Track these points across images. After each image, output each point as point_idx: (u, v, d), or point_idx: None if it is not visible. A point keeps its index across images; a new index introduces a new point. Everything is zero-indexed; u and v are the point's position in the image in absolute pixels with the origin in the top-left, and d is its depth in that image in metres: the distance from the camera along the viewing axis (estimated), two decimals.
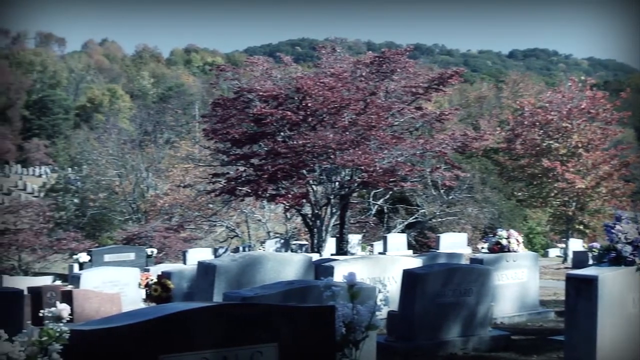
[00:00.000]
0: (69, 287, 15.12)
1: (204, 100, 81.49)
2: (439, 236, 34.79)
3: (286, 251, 33.20)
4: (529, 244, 40.49)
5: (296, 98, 28.85)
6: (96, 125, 79.18)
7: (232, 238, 45.40)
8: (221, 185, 31.68)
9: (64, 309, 4.54)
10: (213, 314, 4.67)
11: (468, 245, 34.25)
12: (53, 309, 4.56)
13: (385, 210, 42.02)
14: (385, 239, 33.91)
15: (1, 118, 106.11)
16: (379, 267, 13.22)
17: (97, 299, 12.56)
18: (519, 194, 39.51)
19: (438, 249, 29.20)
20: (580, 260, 25.16)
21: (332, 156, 28.19)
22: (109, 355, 4.25)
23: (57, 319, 4.51)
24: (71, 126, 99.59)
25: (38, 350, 4.36)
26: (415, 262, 14.13)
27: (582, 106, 33.41)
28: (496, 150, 43.77)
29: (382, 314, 7.88)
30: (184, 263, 30.48)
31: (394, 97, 31.23)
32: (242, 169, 31.33)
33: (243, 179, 30.65)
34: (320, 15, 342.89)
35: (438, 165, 33.64)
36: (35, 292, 11.80)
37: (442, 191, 39.08)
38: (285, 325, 4.83)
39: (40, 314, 4.76)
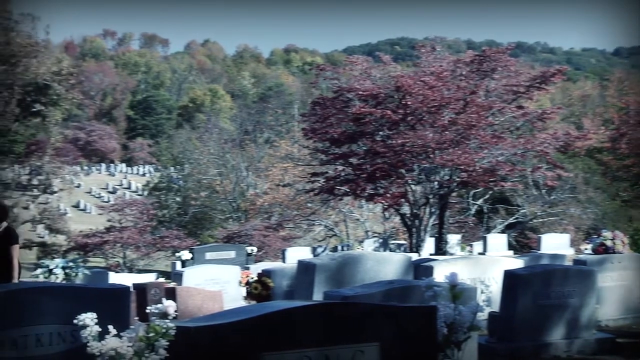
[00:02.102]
0: (172, 285, 15.40)
1: (303, 99, 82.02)
2: (540, 237, 34.16)
3: (384, 251, 33.10)
4: (634, 246, 39.41)
5: (395, 97, 28.74)
6: (198, 125, 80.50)
7: (330, 237, 45.52)
8: (320, 185, 31.79)
9: (170, 305, 4.63)
10: (315, 312, 4.69)
11: (570, 247, 33.55)
12: (159, 305, 4.66)
13: (485, 210, 41.52)
14: (484, 239, 33.47)
15: (107, 118, 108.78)
16: (480, 268, 13.06)
17: (200, 297, 12.74)
18: (624, 194, 38.52)
19: (539, 250, 28.70)
20: None
21: (431, 155, 27.99)
22: (214, 351, 4.31)
23: (163, 315, 4.60)
24: (174, 126, 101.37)
25: (145, 346, 4.45)
26: (516, 262, 13.90)
27: None
28: (600, 149, 42.79)
29: (484, 314, 7.79)
30: (283, 262, 30.67)
31: (494, 96, 30.80)
32: (340, 168, 31.37)
33: (342, 178, 30.69)
34: (420, 14, 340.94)
35: (539, 165, 33.07)
36: (140, 288, 12.03)
37: (543, 191, 38.41)
38: (387, 325, 4.82)
39: (147, 311, 4.86)
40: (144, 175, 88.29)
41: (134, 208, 48.76)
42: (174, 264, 32.22)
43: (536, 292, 10.00)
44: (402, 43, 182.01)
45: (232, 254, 31.76)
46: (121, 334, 4.55)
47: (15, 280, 11.00)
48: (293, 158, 47.60)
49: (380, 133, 29.16)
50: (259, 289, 14.92)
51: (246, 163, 57.85)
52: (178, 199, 59.99)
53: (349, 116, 29.55)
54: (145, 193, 66.54)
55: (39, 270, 15.91)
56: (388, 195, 29.05)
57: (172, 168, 68.03)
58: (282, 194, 47.98)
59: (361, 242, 39.95)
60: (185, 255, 30.81)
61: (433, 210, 30.20)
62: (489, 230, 39.89)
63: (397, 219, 36.37)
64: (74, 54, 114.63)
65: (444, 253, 29.19)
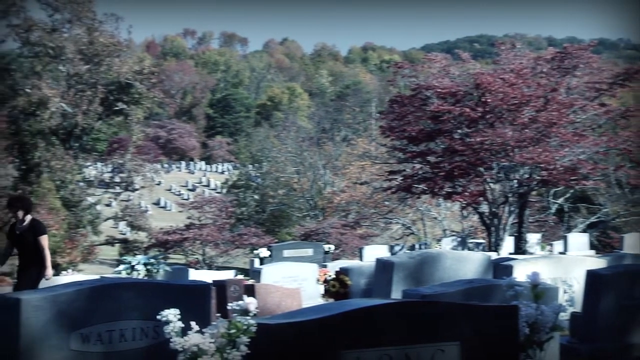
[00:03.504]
0: (251, 282, 15.53)
1: (380, 97, 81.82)
2: (622, 236, 33.48)
3: (463, 250, 32.87)
4: None
5: (475, 94, 28.54)
6: (276, 123, 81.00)
7: (407, 235, 45.38)
8: (397, 183, 31.74)
9: (251, 302, 4.67)
10: (395, 311, 4.68)
11: None
12: (240, 302, 4.70)
13: (566, 209, 40.90)
14: (565, 239, 32.93)
15: (187, 116, 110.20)
16: (561, 267, 12.85)
17: (278, 294, 12.82)
18: None
19: (622, 250, 28.13)
20: None
21: (510, 154, 27.71)
22: (294, 348, 4.34)
23: (244, 312, 4.64)
24: (252, 124, 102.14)
25: (227, 342, 4.50)
26: (599, 262, 13.65)
27: None
28: None
29: (566, 314, 7.68)
30: (361, 260, 30.66)
31: (576, 94, 30.32)
32: (418, 166, 31.29)
33: (419, 176, 30.60)
34: (499, 11, 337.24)
35: (622, 164, 32.45)
36: (220, 285, 12.16)
37: (626, 190, 37.65)
38: (467, 324, 4.78)
39: (228, 307, 4.91)
40: (222, 173, 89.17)
41: (213, 206, 49.29)
42: (252, 262, 32.48)
43: (619, 292, 9.81)
44: (481, 40, 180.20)
45: (309, 251, 31.88)
46: (203, 330, 4.60)
47: (49, 269, 11.27)
48: (370, 156, 47.56)
49: (459, 131, 28.98)
50: (337, 287, 14.93)
51: (323, 161, 58.02)
52: (256, 196, 60.46)
53: (427, 114, 29.44)
54: (224, 191, 67.19)
55: (121, 267, 16.24)
56: (466, 193, 28.89)
57: (250, 166, 68.58)
58: (359, 192, 47.97)
59: (439, 240, 39.71)
60: (264, 252, 31.01)
61: (512, 208, 29.88)
62: (569, 229, 39.25)
63: (476, 217, 36.10)
64: (155, 53, 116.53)
65: (524, 252, 28.83)
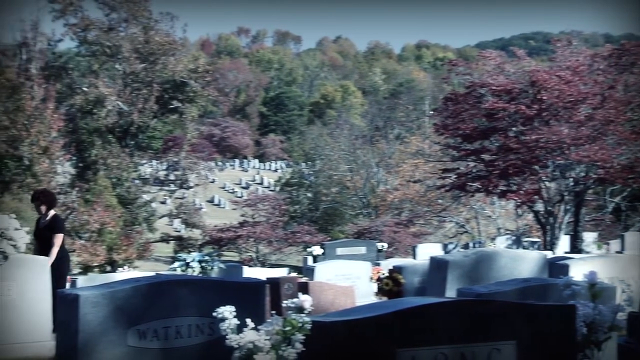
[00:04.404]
0: (304, 279, 15.57)
1: (434, 95, 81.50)
2: (623, 235, 32.92)
3: (517, 248, 32.60)
4: None
5: (530, 92, 28.30)
6: (329, 121, 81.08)
7: (461, 234, 45.13)
8: (451, 181, 31.61)
9: (306, 300, 4.68)
10: (451, 309, 4.66)
11: None
12: (295, 300, 4.71)
13: (623, 208, 40.30)
14: (622, 238, 32.46)
15: (241, 114, 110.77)
16: (618, 267, 12.67)
17: (332, 292, 12.82)
18: None
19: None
20: None
21: (566, 152, 27.44)
22: (349, 346, 4.34)
23: (299, 309, 4.65)
24: (305, 122, 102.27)
25: (282, 340, 4.52)
26: None
27: None
28: None
29: (624, 314, 7.57)
30: (414, 258, 30.56)
31: (633, 91, 29.88)
32: (472, 164, 31.12)
33: (473, 174, 30.44)
34: (555, 8, 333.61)
35: None
36: (274, 283, 12.20)
37: None
38: (523, 323, 4.75)
39: (283, 305, 4.93)
40: (276, 171, 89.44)
41: (267, 203, 49.52)
42: (305, 259, 32.57)
43: None
44: (536, 37, 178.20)
45: (362, 249, 31.85)
46: (258, 327, 4.63)
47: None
48: (424, 154, 47.40)
49: (514, 129, 28.78)
50: (390, 285, 14.89)
51: (377, 159, 57.94)
52: (309, 194, 60.59)
53: (482, 112, 29.29)
54: (277, 189, 67.44)
55: (176, 264, 16.34)
56: (521, 192, 28.67)
57: (303, 164, 68.77)
58: (412, 190, 47.80)
59: (493, 239, 39.41)
60: (317, 250, 31.05)
61: (568, 207, 29.57)
62: (627, 228, 38.69)
63: (531, 216, 35.80)
64: (210, 51, 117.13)
65: (580, 251, 28.51)
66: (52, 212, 11.25)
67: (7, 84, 33.67)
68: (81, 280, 18.25)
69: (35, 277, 9.88)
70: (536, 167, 28.42)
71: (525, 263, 11.83)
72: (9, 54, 37.03)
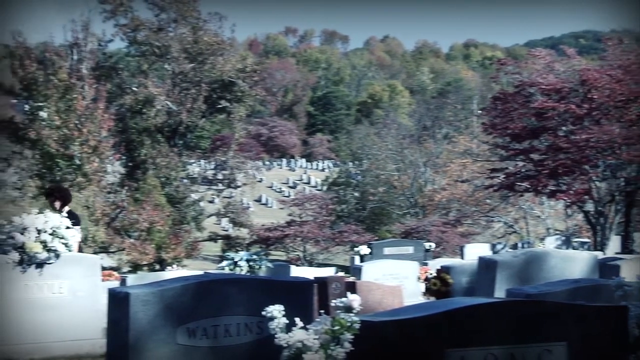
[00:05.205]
0: (352, 279, 15.55)
1: (482, 94, 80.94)
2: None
3: (567, 249, 32.29)
4: None
5: (580, 91, 28.03)
6: (376, 121, 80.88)
7: (510, 234, 44.80)
8: (499, 181, 31.41)
9: (355, 299, 4.68)
10: (500, 310, 4.63)
11: None
12: (344, 299, 4.71)
13: None
14: None
15: (288, 114, 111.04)
16: None
17: (380, 291, 12.79)
18: None
19: None
20: None
21: (617, 151, 27.13)
22: (398, 346, 4.33)
23: (348, 309, 4.65)
24: (352, 122, 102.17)
25: (330, 339, 4.52)
26: None
27: None
28: None
29: None
30: (462, 258, 30.42)
31: None
32: (521, 164, 30.90)
33: (522, 174, 30.22)
34: (607, 6, 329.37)
35: None
36: (321, 282, 12.20)
37: None
38: (574, 324, 4.70)
39: (332, 304, 4.94)
40: (323, 170, 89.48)
41: (314, 203, 49.56)
42: (352, 259, 32.55)
43: None
44: (587, 36, 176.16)
45: (410, 249, 31.78)
46: (307, 326, 4.63)
47: None
48: (472, 154, 47.13)
49: (564, 128, 28.54)
50: (438, 285, 14.82)
51: (424, 159, 57.74)
52: (356, 194, 60.53)
53: (531, 111, 29.06)
54: (325, 188, 67.45)
55: (224, 263, 16.41)
56: (571, 191, 28.41)
57: (350, 163, 68.66)
58: (460, 190, 47.57)
59: (542, 239, 39.07)
60: (364, 250, 31.03)
61: (619, 207, 29.23)
62: None
63: (580, 216, 35.44)
64: (258, 51, 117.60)
65: (631, 252, 28.16)
66: (66, 208, 11.11)
67: (59, 84, 34.06)
68: (131, 279, 18.40)
69: (86, 275, 10.00)
70: (586, 166, 28.15)
71: (575, 264, 11.71)
72: (62, 55, 37.43)
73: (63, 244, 9.77)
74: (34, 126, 33.69)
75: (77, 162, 33.35)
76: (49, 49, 39.09)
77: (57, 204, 11.11)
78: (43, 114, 34.51)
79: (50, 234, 9.72)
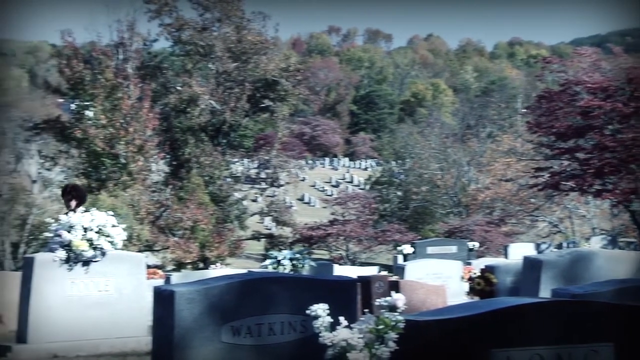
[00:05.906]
0: (395, 278, 15.54)
1: (527, 93, 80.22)
2: None
3: (613, 249, 31.94)
4: None
5: (627, 90, 27.71)
6: (419, 120, 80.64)
7: (554, 234, 44.41)
8: (544, 180, 31.16)
9: (399, 299, 4.67)
10: (546, 310, 4.60)
11: None
12: (389, 298, 4.71)
13: None
14: None
15: (331, 113, 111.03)
16: None
17: (423, 291, 12.78)
18: None
19: None
20: None
21: None
22: (442, 346, 4.32)
23: (392, 308, 4.65)
24: (395, 120, 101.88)
25: (375, 338, 4.53)
26: None
27: None
28: None
29: None
30: (506, 257, 30.23)
31: None
32: (566, 163, 30.63)
33: (567, 173, 29.95)
34: None
35: None
36: (365, 281, 12.20)
37: None
38: (621, 325, 4.66)
39: (376, 303, 4.93)
40: (366, 169, 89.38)
41: (357, 202, 49.55)
42: (395, 258, 32.50)
43: None
44: (633, 34, 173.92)
45: (453, 248, 31.67)
46: (351, 325, 4.64)
47: None
48: (516, 153, 46.79)
49: (610, 127, 28.23)
50: (482, 285, 14.76)
51: (468, 158, 57.41)
52: (399, 193, 60.35)
53: (577, 109, 28.79)
54: (367, 187, 67.36)
55: (267, 261, 16.47)
56: (617, 191, 28.10)
57: (393, 162, 68.45)
58: (504, 189, 47.21)
59: (588, 239, 38.67)
60: (407, 249, 30.96)
61: None
62: None
63: (627, 215, 35.02)
64: (301, 50, 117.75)
65: None
66: (81, 209, 10.87)
67: (106, 83, 34.45)
68: (175, 277, 18.54)
69: (132, 273, 10.10)
70: (633, 165, 27.82)
71: (621, 264, 11.59)
72: (109, 54, 37.82)
73: (109, 242, 9.89)
74: (81, 125, 34.12)
75: (123, 161, 33.68)
76: (95, 48, 39.54)
77: (73, 203, 10.95)
78: (89, 113, 34.92)
79: (96, 232, 9.83)
